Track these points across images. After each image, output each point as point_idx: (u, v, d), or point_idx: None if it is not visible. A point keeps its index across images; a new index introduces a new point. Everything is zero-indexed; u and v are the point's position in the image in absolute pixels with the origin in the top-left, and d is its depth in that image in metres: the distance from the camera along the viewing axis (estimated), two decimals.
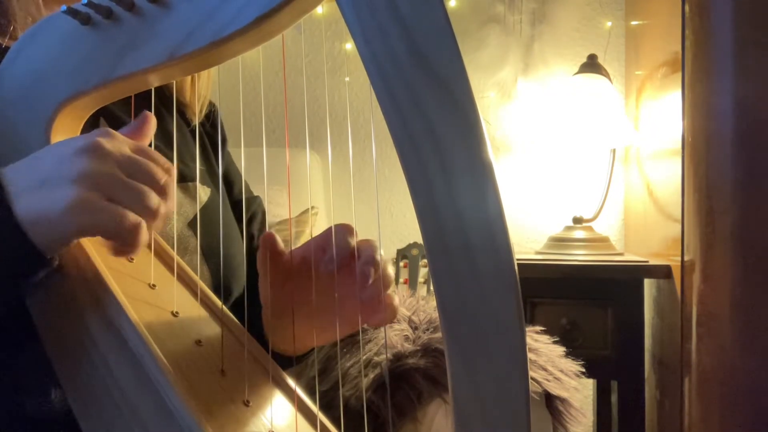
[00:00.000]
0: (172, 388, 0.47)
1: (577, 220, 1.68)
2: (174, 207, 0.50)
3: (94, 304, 0.50)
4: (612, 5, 1.90)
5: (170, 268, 0.61)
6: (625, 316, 1.52)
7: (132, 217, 0.45)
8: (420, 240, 0.44)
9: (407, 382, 0.98)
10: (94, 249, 0.53)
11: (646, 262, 1.50)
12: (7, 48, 0.55)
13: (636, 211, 1.80)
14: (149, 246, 0.61)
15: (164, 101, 0.75)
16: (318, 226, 1.62)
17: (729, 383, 1.09)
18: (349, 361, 1.01)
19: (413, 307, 1.13)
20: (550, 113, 1.70)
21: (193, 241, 0.70)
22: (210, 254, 0.70)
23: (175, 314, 0.57)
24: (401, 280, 1.65)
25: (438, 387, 0.98)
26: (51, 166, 0.46)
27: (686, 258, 1.19)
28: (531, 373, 1.03)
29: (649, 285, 1.66)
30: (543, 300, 1.55)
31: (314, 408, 0.58)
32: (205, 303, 0.61)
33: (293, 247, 0.63)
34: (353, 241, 0.58)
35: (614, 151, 1.70)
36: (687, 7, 1.18)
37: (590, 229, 1.68)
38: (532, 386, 1.02)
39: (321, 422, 0.57)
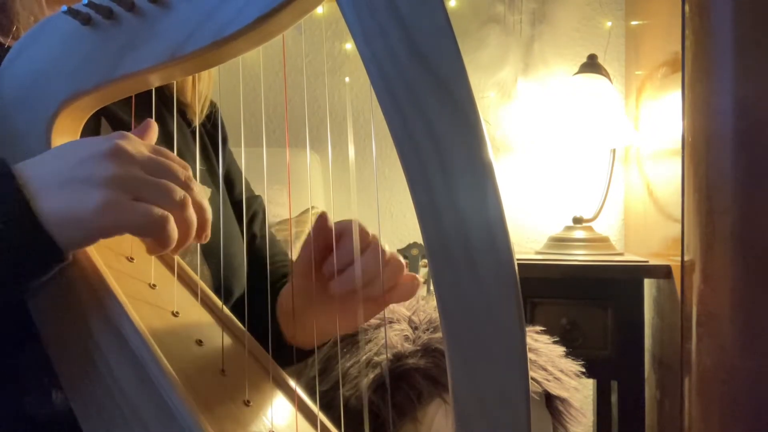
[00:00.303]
0: (172, 388, 0.47)
1: (577, 220, 1.68)
2: (206, 198, 0.51)
3: (95, 304, 0.50)
4: (612, 5, 1.90)
5: (171, 268, 0.61)
6: (625, 316, 1.52)
7: (158, 211, 0.46)
8: (420, 240, 0.44)
9: (407, 382, 0.98)
10: (95, 249, 0.53)
11: (646, 262, 1.50)
12: (9, 48, 0.55)
13: (636, 211, 1.80)
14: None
15: (165, 101, 0.75)
16: None
17: (729, 383, 1.09)
18: (349, 361, 1.01)
19: (413, 307, 1.13)
20: (550, 113, 1.70)
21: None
22: (210, 254, 0.70)
23: (175, 314, 0.57)
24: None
25: (438, 387, 0.98)
26: (74, 167, 0.46)
27: (686, 258, 1.19)
28: (531, 373, 1.03)
29: (649, 285, 1.66)
30: (543, 300, 1.55)
31: (314, 408, 0.58)
32: (206, 303, 0.61)
33: (293, 247, 0.63)
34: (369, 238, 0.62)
35: (614, 151, 1.70)
36: (687, 7, 1.18)
37: (590, 229, 1.68)
38: (532, 386, 1.02)
39: (321, 422, 0.57)
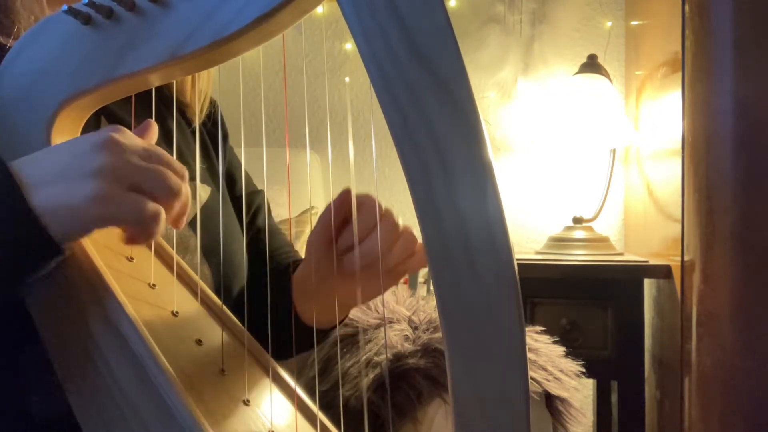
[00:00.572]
0: (172, 388, 0.47)
1: (577, 220, 1.68)
2: (190, 202, 0.51)
3: (95, 304, 0.50)
4: (612, 5, 1.90)
5: (170, 268, 0.61)
6: (625, 316, 1.52)
7: (152, 206, 0.46)
8: (420, 240, 0.44)
9: (407, 382, 0.98)
10: (95, 249, 0.53)
11: (646, 262, 1.50)
12: (10, 48, 0.55)
13: (636, 211, 1.80)
14: (149, 246, 0.61)
15: (165, 101, 0.75)
16: None
17: (729, 383, 1.09)
18: (349, 361, 1.01)
19: (413, 307, 1.13)
20: (550, 113, 1.70)
21: (194, 240, 0.70)
22: (210, 253, 0.70)
23: (175, 314, 0.57)
24: (401, 280, 1.65)
25: (438, 387, 0.98)
26: (68, 160, 0.46)
27: (686, 258, 1.19)
28: (531, 373, 1.03)
29: (649, 285, 1.66)
30: (543, 300, 1.55)
31: (314, 408, 0.58)
32: (205, 302, 0.61)
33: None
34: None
35: (614, 151, 1.70)
36: (687, 7, 1.18)
37: (590, 229, 1.68)
38: (532, 386, 1.02)
39: (321, 422, 0.57)
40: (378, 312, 1.09)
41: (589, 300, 1.53)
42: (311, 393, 0.60)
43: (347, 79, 2.00)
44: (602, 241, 1.65)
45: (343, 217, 0.63)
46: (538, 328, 1.16)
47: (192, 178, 0.73)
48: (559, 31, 1.91)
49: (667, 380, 1.54)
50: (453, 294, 0.41)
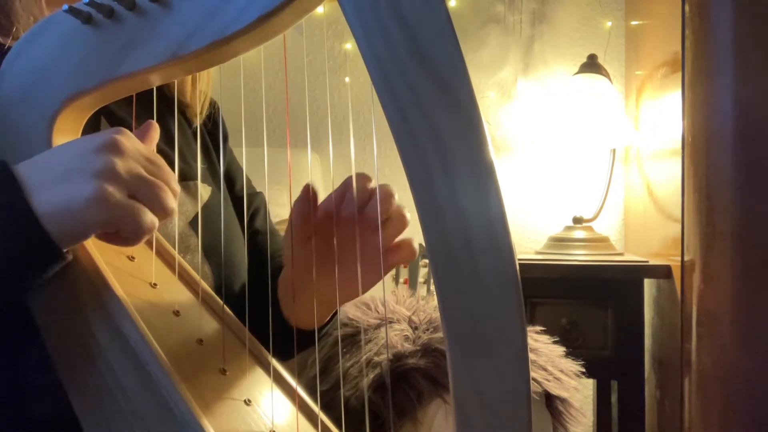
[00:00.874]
0: (173, 387, 0.47)
1: (577, 220, 1.68)
2: (176, 208, 0.51)
3: (96, 303, 0.50)
4: (612, 5, 1.90)
5: (171, 267, 0.61)
6: (625, 316, 1.52)
7: (150, 217, 0.46)
8: (420, 240, 0.44)
9: (407, 382, 0.98)
10: (96, 248, 0.53)
11: (646, 262, 1.50)
12: (9, 48, 0.55)
13: (636, 211, 1.80)
14: (150, 245, 0.61)
15: (165, 101, 0.75)
16: None
17: (729, 383, 1.09)
18: (349, 361, 1.01)
19: (413, 307, 1.13)
20: (550, 113, 1.70)
21: (194, 239, 0.70)
22: (211, 253, 0.70)
23: (176, 313, 0.57)
24: (401, 280, 1.65)
25: (438, 387, 0.98)
26: (71, 161, 0.46)
27: (686, 258, 1.19)
28: (531, 373, 1.03)
29: (649, 285, 1.66)
30: (543, 300, 1.55)
31: (315, 407, 0.58)
32: (206, 302, 0.61)
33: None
34: (372, 185, 0.61)
35: (614, 151, 1.70)
36: (687, 7, 1.18)
37: (590, 229, 1.68)
38: (532, 386, 1.02)
39: (321, 421, 0.57)
40: (378, 312, 1.09)
41: (589, 300, 1.53)
42: (312, 393, 0.60)
43: (347, 79, 2.00)
44: (602, 241, 1.65)
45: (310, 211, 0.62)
46: (538, 328, 1.16)
47: (192, 178, 0.73)
48: (559, 31, 1.91)
49: (667, 380, 1.54)
50: (454, 293, 0.41)
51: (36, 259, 0.47)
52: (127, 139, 0.48)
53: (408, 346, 1.01)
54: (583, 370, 1.12)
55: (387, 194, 0.60)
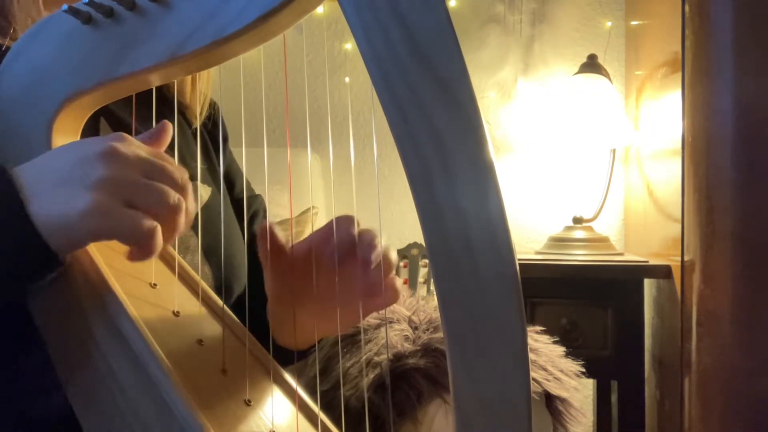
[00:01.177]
0: (173, 388, 0.47)
1: (577, 220, 1.68)
2: (195, 207, 0.50)
3: (96, 304, 0.50)
4: (612, 5, 1.90)
5: (171, 268, 0.61)
6: (625, 316, 1.52)
7: (147, 222, 0.45)
8: (420, 240, 0.44)
9: (407, 382, 0.98)
10: (96, 248, 0.53)
11: (646, 262, 1.50)
12: (7, 49, 0.55)
13: (636, 211, 1.80)
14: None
15: (165, 101, 0.75)
16: (318, 226, 1.61)
17: (729, 383, 1.09)
18: (350, 361, 1.01)
19: (413, 307, 1.13)
20: (550, 113, 1.70)
21: (194, 240, 0.70)
22: (211, 253, 0.70)
23: (176, 313, 0.57)
24: (401, 280, 1.65)
25: (438, 387, 0.98)
26: (67, 169, 0.46)
27: (686, 258, 1.19)
28: (531, 373, 1.03)
29: (649, 285, 1.66)
30: (543, 300, 1.55)
31: (315, 407, 0.58)
32: (206, 302, 0.61)
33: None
34: (355, 231, 0.59)
35: (614, 151, 1.70)
36: (687, 7, 1.18)
37: (590, 229, 1.68)
38: (532, 386, 1.02)
39: (322, 422, 0.57)
40: (378, 312, 1.09)
41: (589, 300, 1.53)
42: (312, 393, 0.60)
43: (347, 79, 2.00)
44: (602, 241, 1.65)
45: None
46: (538, 328, 1.16)
47: (193, 179, 0.73)
48: (559, 31, 1.91)
49: (667, 380, 1.54)
50: (454, 293, 0.41)
51: (34, 265, 0.47)
52: (126, 146, 0.47)
53: (408, 346, 1.01)
54: (583, 370, 1.12)
55: (370, 240, 0.58)
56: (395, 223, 1.96)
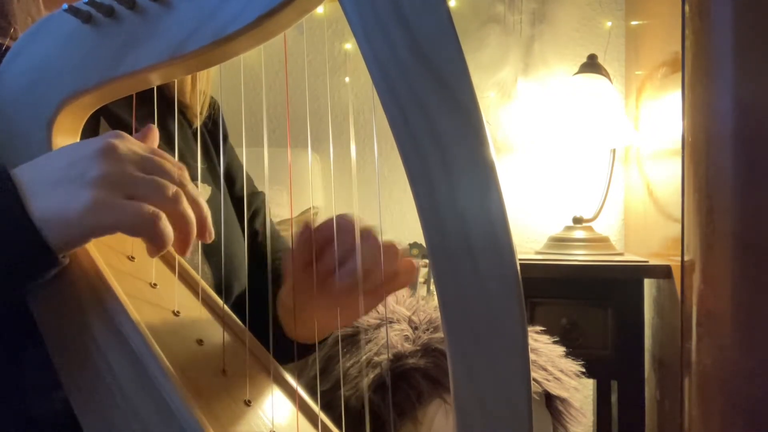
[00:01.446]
0: (173, 388, 0.47)
1: (577, 220, 1.68)
2: (205, 206, 0.51)
3: (96, 303, 0.50)
4: (612, 5, 1.90)
5: (171, 267, 0.61)
6: (625, 316, 1.52)
7: (148, 209, 0.46)
8: (420, 240, 0.44)
9: (407, 382, 0.98)
10: (96, 248, 0.53)
11: (646, 262, 1.50)
12: (7, 48, 0.55)
13: (636, 211, 1.80)
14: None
15: (165, 101, 0.75)
16: None
17: (729, 383, 1.09)
18: (350, 361, 1.01)
19: (413, 307, 1.13)
20: (550, 113, 1.70)
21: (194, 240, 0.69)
22: (211, 253, 0.70)
23: (176, 313, 0.57)
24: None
25: (438, 387, 0.98)
26: (66, 167, 0.46)
27: (686, 258, 1.19)
28: (531, 373, 1.03)
29: (649, 285, 1.66)
30: (543, 300, 1.55)
31: (315, 407, 0.58)
32: (207, 302, 0.61)
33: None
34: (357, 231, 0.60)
35: (614, 151, 1.70)
36: (687, 7, 1.18)
37: (590, 229, 1.68)
38: (533, 386, 1.02)
39: (322, 422, 0.57)
40: (378, 312, 1.09)
41: (589, 300, 1.53)
42: (312, 393, 0.60)
43: (347, 79, 2.00)
44: (602, 241, 1.65)
45: (319, 240, 0.61)
46: (538, 328, 1.16)
47: (193, 178, 0.73)
48: (559, 31, 1.91)
49: (667, 380, 1.54)
50: (455, 293, 0.41)
51: (33, 264, 0.47)
52: (123, 142, 0.47)
53: (408, 346, 1.01)
54: (583, 370, 1.12)
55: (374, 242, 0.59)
56: (395, 223, 1.96)
